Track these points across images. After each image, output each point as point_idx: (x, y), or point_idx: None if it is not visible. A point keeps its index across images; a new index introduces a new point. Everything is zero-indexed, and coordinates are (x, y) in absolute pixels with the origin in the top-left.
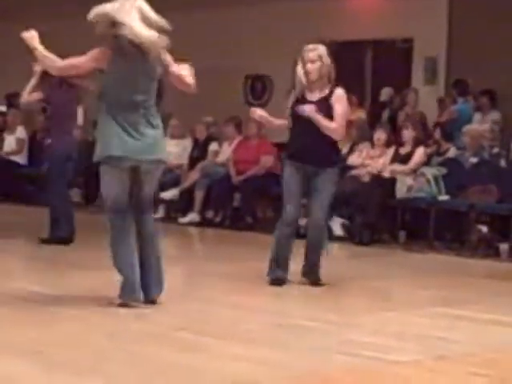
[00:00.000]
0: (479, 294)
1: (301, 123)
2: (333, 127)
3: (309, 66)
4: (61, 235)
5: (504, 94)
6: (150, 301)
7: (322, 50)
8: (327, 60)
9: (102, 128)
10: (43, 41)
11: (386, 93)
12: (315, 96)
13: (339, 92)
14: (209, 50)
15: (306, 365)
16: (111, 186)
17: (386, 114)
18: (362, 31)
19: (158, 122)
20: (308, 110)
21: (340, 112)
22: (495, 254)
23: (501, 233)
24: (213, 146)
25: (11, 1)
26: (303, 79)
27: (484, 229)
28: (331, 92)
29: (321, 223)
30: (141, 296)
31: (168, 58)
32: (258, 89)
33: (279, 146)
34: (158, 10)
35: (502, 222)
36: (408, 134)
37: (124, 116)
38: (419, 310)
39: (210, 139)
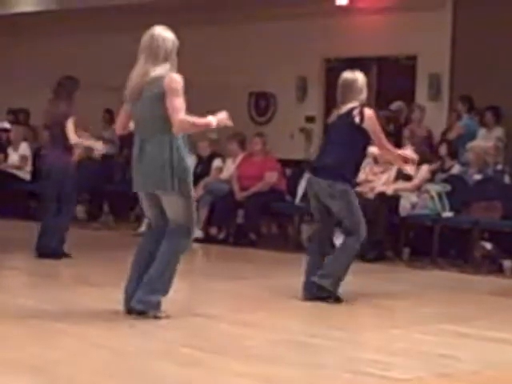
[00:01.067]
0: (483, 310)
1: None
2: None
3: None
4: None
5: (508, 110)
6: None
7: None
8: None
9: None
10: (50, 57)
11: (396, 105)
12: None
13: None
14: (213, 67)
15: (309, 382)
16: None
17: (390, 128)
18: (366, 48)
19: None
20: None
21: None
22: (499, 270)
23: (505, 249)
24: (216, 163)
25: (18, 17)
26: None
27: (488, 245)
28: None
29: None
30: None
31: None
32: (262, 106)
33: (283, 163)
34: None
35: (506, 238)
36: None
37: None
38: (423, 327)
39: (213, 156)
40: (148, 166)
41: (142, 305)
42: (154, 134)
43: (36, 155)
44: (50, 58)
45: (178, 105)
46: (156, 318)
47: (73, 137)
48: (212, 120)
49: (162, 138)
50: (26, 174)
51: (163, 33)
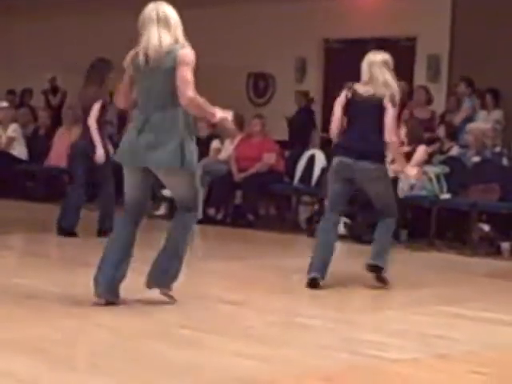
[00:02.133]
0: (480, 292)
1: None
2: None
3: None
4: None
5: (507, 93)
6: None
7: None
8: None
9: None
10: (48, 37)
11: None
12: None
13: None
14: (212, 48)
15: (306, 362)
16: None
17: None
18: (366, 29)
19: None
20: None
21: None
22: (497, 252)
23: (502, 231)
24: (215, 144)
25: None
26: None
27: (486, 227)
28: None
29: None
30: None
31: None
32: (261, 87)
33: (281, 144)
34: None
35: (504, 220)
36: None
37: None
38: (420, 309)
39: (211, 136)
40: (155, 139)
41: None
42: (165, 106)
43: (34, 136)
44: (49, 38)
45: (189, 78)
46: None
47: (91, 121)
48: (217, 113)
49: (174, 112)
50: (22, 154)
51: (168, 7)
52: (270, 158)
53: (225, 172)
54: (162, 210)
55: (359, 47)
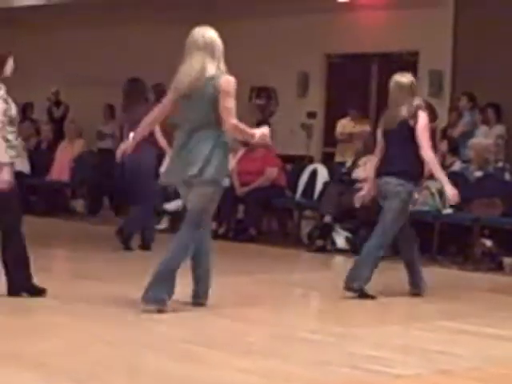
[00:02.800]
0: (482, 307)
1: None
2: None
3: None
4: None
5: (509, 107)
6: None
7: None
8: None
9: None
10: (50, 50)
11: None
12: None
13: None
14: None
15: (307, 377)
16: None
17: None
18: (368, 44)
19: None
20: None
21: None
22: (499, 267)
23: (505, 247)
24: None
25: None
26: None
27: (488, 242)
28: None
29: None
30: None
31: None
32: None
33: (284, 158)
34: (162, 23)
35: (507, 235)
36: None
37: None
38: (422, 324)
39: None
40: (192, 154)
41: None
42: (202, 127)
43: (36, 150)
44: (52, 52)
45: (231, 107)
46: (160, 312)
47: (162, 140)
48: (255, 134)
49: (211, 131)
50: (24, 168)
51: (214, 33)
52: (272, 173)
53: (227, 186)
54: (164, 223)
55: (361, 62)
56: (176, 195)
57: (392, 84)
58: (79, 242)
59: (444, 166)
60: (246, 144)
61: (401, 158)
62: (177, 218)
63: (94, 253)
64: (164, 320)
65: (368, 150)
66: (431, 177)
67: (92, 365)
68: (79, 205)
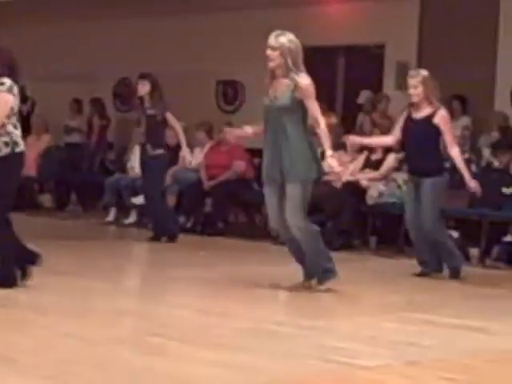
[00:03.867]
0: (450, 298)
1: (408, 139)
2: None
3: (412, 91)
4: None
5: (474, 99)
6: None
7: (423, 75)
8: (430, 83)
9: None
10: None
11: (364, 96)
12: (420, 115)
13: (442, 114)
14: (180, 55)
15: (277, 370)
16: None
17: (360, 119)
18: (335, 37)
19: None
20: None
21: (449, 136)
22: (466, 259)
23: (471, 238)
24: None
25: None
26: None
27: (454, 234)
28: (435, 112)
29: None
30: None
31: None
32: (230, 94)
33: (252, 152)
34: (130, 16)
35: (473, 226)
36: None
37: None
38: (390, 315)
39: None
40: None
41: None
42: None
43: None
44: (15, 47)
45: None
46: None
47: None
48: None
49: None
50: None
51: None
52: (239, 166)
53: (194, 180)
54: (132, 218)
55: (328, 55)
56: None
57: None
58: (47, 237)
59: None
60: (210, 136)
61: None
62: (144, 212)
63: (61, 247)
64: (130, 314)
65: (337, 141)
66: (398, 169)
67: (61, 360)
68: (46, 200)
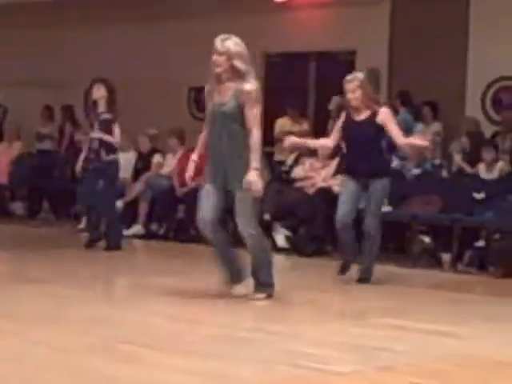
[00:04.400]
0: (421, 304)
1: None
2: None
3: (349, 95)
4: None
5: (445, 105)
6: None
7: (360, 78)
8: (366, 86)
9: None
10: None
11: (335, 101)
12: (360, 117)
13: (384, 111)
14: (153, 62)
15: (248, 376)
16: None
17: (330, 124)
18: (306, 43)
19: None
20: None
21: (395, 128)
22: (438, 264)
23: (443, 243)
24: (156, 158)
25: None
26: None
27: (426, 239)
28: (375, 112)
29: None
30: None
31: None
32: (202, 101)
33: None
34: (102, 23)
35: (445, 232)
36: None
37: None
38: (361, 321)
39: (153, 151)
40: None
41: None
42: None
43: None
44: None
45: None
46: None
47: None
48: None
49: None
50: None
51: None
52: None
53: (167, 186)
54: (83, 223)
55: (299, 61)
56: (117, 196)
57: None
58: (19, 245)
59: None
60: (182, 142)
61: None
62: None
63: (33, 255)
64: (101, 322)
65: (308, 149)
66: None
67: (29, 368)
68: (18, 207)
